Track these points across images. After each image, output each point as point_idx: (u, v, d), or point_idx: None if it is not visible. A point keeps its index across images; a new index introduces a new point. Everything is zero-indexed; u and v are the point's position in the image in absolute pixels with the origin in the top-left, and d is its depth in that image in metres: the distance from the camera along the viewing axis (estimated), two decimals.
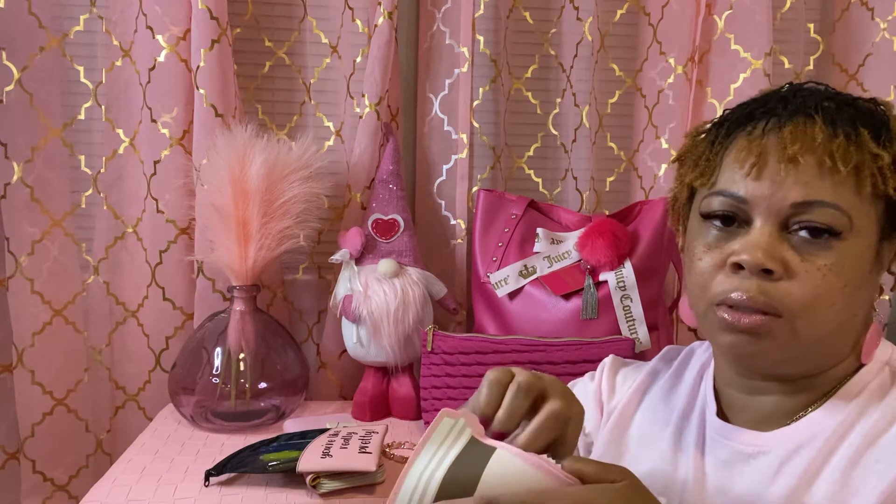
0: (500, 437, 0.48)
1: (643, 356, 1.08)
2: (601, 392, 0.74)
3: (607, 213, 1.26)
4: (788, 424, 0.58)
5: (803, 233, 0.53)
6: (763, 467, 0.57)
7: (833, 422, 0.56)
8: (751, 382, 0.60)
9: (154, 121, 1.18)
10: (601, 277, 1.10)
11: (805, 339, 0.54)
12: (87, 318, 1.26)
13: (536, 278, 1.13)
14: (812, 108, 0.54)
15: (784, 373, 0.58)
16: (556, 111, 1.36)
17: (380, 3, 1.18)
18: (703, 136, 0.62)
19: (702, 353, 0.71)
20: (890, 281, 0.61)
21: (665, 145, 1.29)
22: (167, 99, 1.18)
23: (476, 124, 1.28)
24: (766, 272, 0.53)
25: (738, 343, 0.55)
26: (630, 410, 0.71)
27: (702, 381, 0.67)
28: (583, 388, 0.76)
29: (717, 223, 0.56)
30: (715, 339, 0.58)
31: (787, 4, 1.30)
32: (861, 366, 0.58)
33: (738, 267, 0.54)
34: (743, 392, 0.61)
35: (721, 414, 0.63)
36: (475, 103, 1.28)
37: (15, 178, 1.17)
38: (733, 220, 0.56)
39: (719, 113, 0.68)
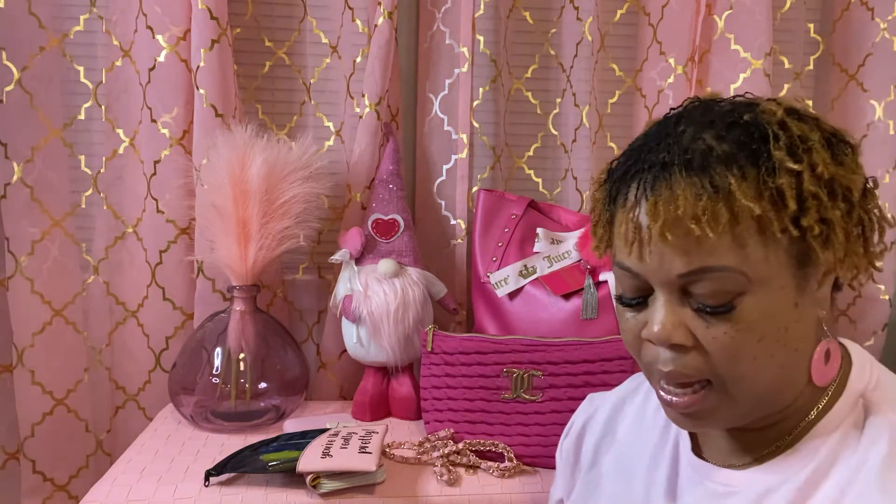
0: None
1: None
2: (563, 468, 0.76)
3: None
4: (759, 462, 0.56)
5: (700, 299, 0.51)
6: None
7: (805, 469, 0.53)
8: None
9: (154, 121, 1.18)
10: (601, 277, 1.10)
11: (743, 398, 0.53)
12: (87, 318, 1.26)
13: (536, 278, 1.13)
14: (676, 161, 0.50)
15: (738, 426, 0.57)
16: (556, 111, 1.36)
17: (380, 3, 1.18)
18: (601, 189, 0.59)
19: None
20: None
21: None
22: (167, 99, 1.18)
23: (476, 124, 1.28)
24: (677, 346, 0.52)
25: (678, 420, 0.56)
26: (601, 451, 0.71)
27: None
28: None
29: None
30: (662, 407, 0.58)
31: (787, 4, 1.30)
32: (827, 391, 0.55)
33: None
34: None
35: (695, 447, 0.62)
36: (475, 103, 1.28)
37: (15, 178, 1.17)
38: (644, 297, 0.55)
39: None
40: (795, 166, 0.49)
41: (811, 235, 0.50)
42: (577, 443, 0.74)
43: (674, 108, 0.56)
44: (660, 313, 0.52)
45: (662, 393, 0.55)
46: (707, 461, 0.60)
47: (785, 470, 0.54)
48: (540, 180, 1.37)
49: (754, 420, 0.56)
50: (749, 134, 0.50)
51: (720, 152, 0.50)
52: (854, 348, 0.59)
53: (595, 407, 0.75)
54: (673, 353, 0.52)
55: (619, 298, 0.57)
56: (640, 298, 0.55)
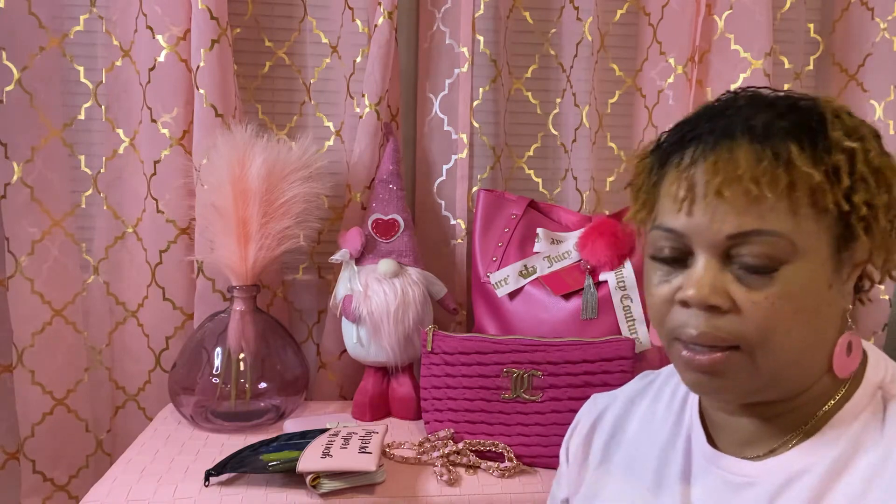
0: None
1: (643, 356, 1.08)
2: (570, 468, 0.75)
3: (607, 213, 1.26)
4: (776, 453, 0.56)
5: (745, 262, 0.51)
6: (752, 500, 0.55)
7: (827, 457, 0.53)
8: (727, 406, 0.60)
9: (154, 121, 1.18)
10: (601, 277, 1.10)
11: (766, 369, 0.53)
12: (87, 318, 1.26)
13: (536, 278, 1.13)
14: (738, 128, 0.52)
15: (754, 402, 0.57)
16: (556, 111, 1.36)
17: (380, 3, 1.18)
18: (646, 160, 0.61)
19: None
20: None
21: None
22: (167, 99, 1.18)
23: (476, 124, 1.28)
24: (714, 307, 0.52)
25: (699, 381, 0.55)
26: (611, 450, 0.71)
27: (686, 405, 0.66)
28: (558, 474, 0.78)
29: (663, 263, 0.56)
30: (679, 373, 0.58)
31: (787, 4, 1.30)
32: (846, 382, 0.56)
33: (686, 303, 0.53)
34: (724, 412, 0.61)
35: (709, 438, 0.62)
36: (475, 103, 1.28)
37: (15, 178, 1.17)
38: (680, 259, 0.55)
39: None
40: (852, 144, 0.51)
41: (857, 216, 0.52)
42: (587, 441, 0.74)
43: (729, 91, 0.59)
44: (699, 274, 0.53)
45: (686, 352, 0.54)
46: (722, 452, 0.60)
47: (805, 459, 0.54)
48: (540, 180, 1.37)
49: (768, 404, 0.57)
50: (807, 115, 0.53)
51: (780, 126, 0.52)
52: (867, 344, 0.60)
53: (603, 406, 0.75)
54: (707, 313, 0.52)
55: (654, 256, 0.57)
56: (676, 260, 0.55)
